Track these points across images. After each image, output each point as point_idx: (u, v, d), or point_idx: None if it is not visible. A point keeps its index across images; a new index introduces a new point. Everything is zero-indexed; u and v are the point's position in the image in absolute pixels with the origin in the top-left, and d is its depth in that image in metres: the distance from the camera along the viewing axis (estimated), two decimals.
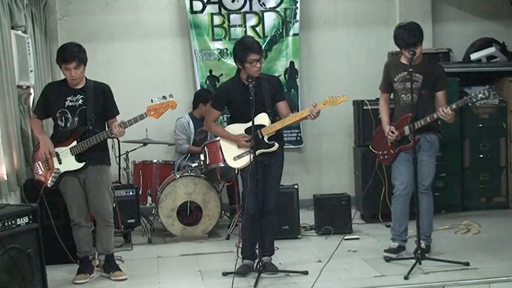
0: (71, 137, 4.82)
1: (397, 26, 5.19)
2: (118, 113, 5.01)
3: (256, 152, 4.77)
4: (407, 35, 5.00)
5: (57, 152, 4.83)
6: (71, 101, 4.84)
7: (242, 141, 4.83)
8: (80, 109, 4.83)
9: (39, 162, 4.87)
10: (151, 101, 4.83)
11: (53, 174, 4.84)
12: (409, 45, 4.98)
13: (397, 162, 5.21)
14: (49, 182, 4.84)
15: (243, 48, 4.76)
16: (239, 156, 4.89)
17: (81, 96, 4.84)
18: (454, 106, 4.90)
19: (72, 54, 4.72)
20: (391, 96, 5.37)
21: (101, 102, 4.89)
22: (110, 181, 5.07)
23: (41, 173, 4.87)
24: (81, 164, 4.81)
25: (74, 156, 4.81)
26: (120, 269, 5.02)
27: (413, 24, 5.09)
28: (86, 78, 4.91)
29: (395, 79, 5.19)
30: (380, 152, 5.31)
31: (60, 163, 4.83)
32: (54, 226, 4.87)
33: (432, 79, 5.09)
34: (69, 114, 4.84)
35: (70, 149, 4.81)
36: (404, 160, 5.13)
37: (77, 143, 4.79)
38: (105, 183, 4.95)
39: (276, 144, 4.79)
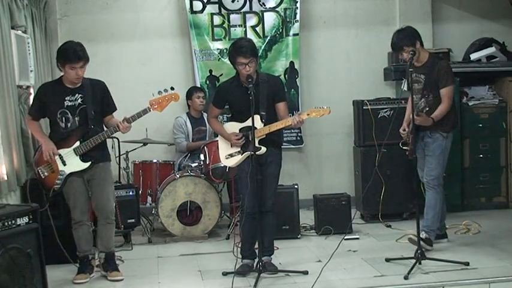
0: (73, 138, 4.80)
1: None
2: (116, 109, 5.00)
3: (245, 154, 4.86)
4: (394, 39, 5.22)
5: (60, 154, 4.81)
6: (70, 101, 4.81)
7: (233, 139, 4.88)
8: (80, 108, 4.81)
9: (41, 167, 4.84)
10: (153, 95, 4.84)
11: (58, 177, 4.81)
12: (395, 50, 5.27)
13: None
14: (56, 185, 4.82)
15: (233, 51, 4.81)
16: (231, 155, 4.95)
17: (80, 95, 4.82)
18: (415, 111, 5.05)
19: (79, 54, 4.69)
20: None
21: (99, 99, 4.87)
22: (112, 178, 5.08)
23: (46, 175, 4.84)
24: (87, 164, 4.80)
25: (78, 157, 4.80)
26: (118, 269, 5.01)
27: (404, 28, 5.30)
28: None
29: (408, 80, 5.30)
30: (406, 148, 5.45)
31: (64, 165, 4.81)
32: (54, 226, 4.88)
33: (433, 79, 5.20)
34: (69, 114, 4.82)
35: (74, 149, 4.79)
36: (419, 157, 5.30)
37: (80, 143, 4.79)
38: (109, 180, 4.97)
39: (263, 148, 4.80)
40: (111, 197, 4.99)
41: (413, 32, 5.21)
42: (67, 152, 4.81)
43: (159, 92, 4.86)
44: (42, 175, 4.85)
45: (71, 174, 4.82)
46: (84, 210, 4.93)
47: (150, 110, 4.80)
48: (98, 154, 4.86)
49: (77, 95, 4.82)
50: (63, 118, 4.83)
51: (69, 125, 4.83)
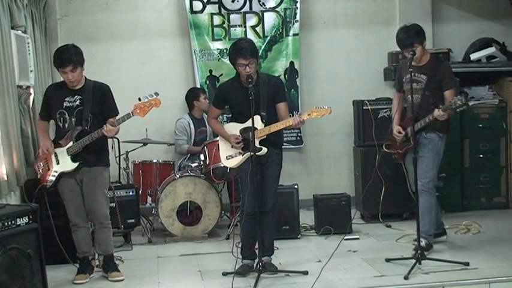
0: (68, 138, 4.85)
1: (399, 28, 5.32)
2: (117, 113, 4.98)
3: (246, 154, 4.85)
4: (402, 35, 5.12)
5: (56, 153, 4.86)
6: (68, 102, 4.85)
7: (233, 142, 4.87)
8: (77, 110, 4.84)
9: (41, 163, 4.91)
10: (139, 100, 4.83)
11: (51, 174, 4.86)
12: (404, 47, 5.10)
13: (407, 162, 5.35)
14: (48, 182, 4.86)
15: (233, 52, 4.80)
16: (231, 156, 4.95)
17: (79, 96, 4.84)
18: (441, 107, 4.95)
19: (67, 58, 4.70)
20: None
21: (99, 102, 4.88)
22: (106, 183, 5.03)
23: (41, 172, 4.91)
24: (75, 164, 4.82)
25: (69, 157, 4.83)
26: (118, 270, 5.01)
27: (411, 25, 5.19)
28: (85, 78, 4.90)
29: (403, 80, 5.30)
30: (392, 151, 5.39)
31: (58, 163, 4.86)
32: (53, 226, 4.88)
33: (436, 80, 5.16)
34: (66, 115, 4.85)
35: (67, 149, 4.83)
36: (411, 161, 5.14)
37: (73, 143, 4.81)
38: (100, 185, 4.93)
39: (264, 149, 4.79)
40: (104, 202, 4.96)
41: (421, 29, 5.17)
42: (61, 151, 4.86)
43: (144, 97, 4.82)
44: (38, 170, 4.93)
45: (64, 174, 4.85)
46: (79, 212, 4.93)
47: (132, 115, 4.78)
48: (91, 157, 4.86)
49: (76, 96, 4.85)
50: (61, 118, 4.87)
51: (66, 125, 4.87)
